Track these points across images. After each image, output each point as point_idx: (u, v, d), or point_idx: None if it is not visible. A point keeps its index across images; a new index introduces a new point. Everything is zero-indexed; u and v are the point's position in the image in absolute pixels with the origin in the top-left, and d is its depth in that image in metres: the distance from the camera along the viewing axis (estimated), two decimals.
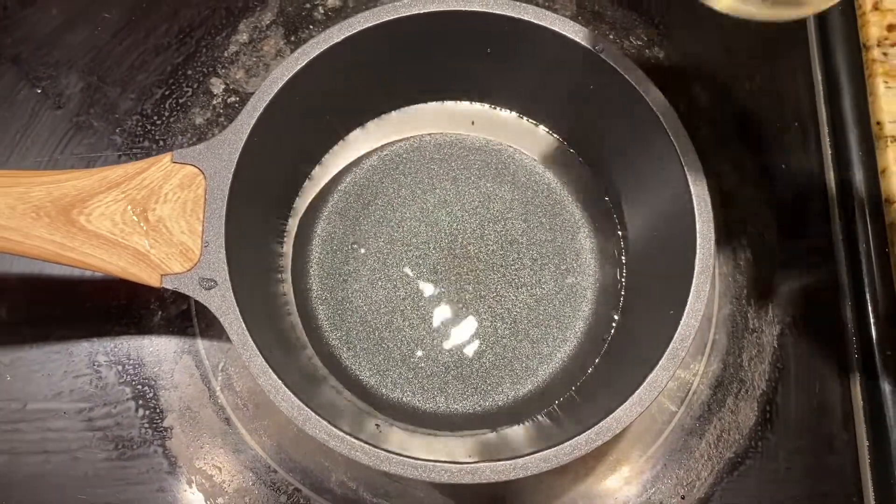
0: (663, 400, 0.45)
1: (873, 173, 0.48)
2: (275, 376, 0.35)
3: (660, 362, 0.35)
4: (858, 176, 0.48)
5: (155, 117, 0.49)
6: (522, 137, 0.47)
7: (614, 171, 0.45)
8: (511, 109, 0.47)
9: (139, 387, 0.45)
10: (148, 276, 0.36)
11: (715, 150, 0.49)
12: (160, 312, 0.46)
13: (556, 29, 0.40)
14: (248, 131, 0.38)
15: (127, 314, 0.46)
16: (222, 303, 0.36)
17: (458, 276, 0.45)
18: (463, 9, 0.40)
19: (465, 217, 0.46)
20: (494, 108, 0.47)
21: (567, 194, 0.47)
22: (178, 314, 0.46)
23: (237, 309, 0.36)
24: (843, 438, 0.45)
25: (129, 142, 0.49)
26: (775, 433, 0.45)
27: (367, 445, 0.34)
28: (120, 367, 0.45)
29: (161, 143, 0.49)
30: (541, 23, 0.40)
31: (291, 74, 0.39)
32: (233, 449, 0.44)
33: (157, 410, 0.44)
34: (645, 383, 0.35)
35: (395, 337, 0.44)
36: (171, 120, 0.49)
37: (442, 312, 0.44)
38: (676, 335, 0.36)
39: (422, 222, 0.46)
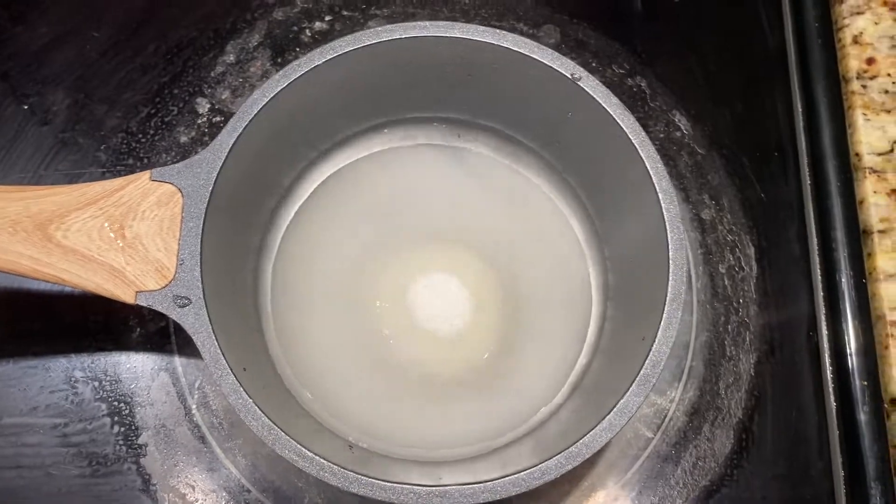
0: (639, 426, 0.45)
1: (852, 204, 0.49)
2: (246, 395, 0.35)
3: (630, 388, 0.35)
4: (837, 206, 0.49)
5: (140, 135, 0.50)
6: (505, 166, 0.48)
7: (593, 199, 0.45)
8: (494, 134, 0.48)
9: (115, 403, 0.45)
10: (122, 293, 0.36)
11: (695, 179, 0.50)
12: (139, 329, 0.46)
13: (535, 56, 0.40)
14: (227, 151, 0.38)
15: (105, 330, 0.46)
16: (195, 321, 0.36)
17: None
18: (445, 34, 0.41)
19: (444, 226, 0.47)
20: (478, 131, 0.48)
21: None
22: (156, 331, 0.46)
23: (210, 327, 0.36)
24: (819, 467, 0.45)
25: (114, 159, 0.49)
26: (751, 461, 0.45)
27: (335, 466, 0.34)
28: (97, 384, 0.45)
29: (145, 160, 0.49)
30: (519, 50, 0.40)
31: (272, 95, 0.39)
32: (207, 468, 0.44)
33: (133, 427, 0.44)
34: (615, 409, 0.35)
35: (368, 357, 0.44)
36: (156, 138, 0.50)
37: (422, 330, 0.44)
38: (647, 361, 0.36)
39: None
